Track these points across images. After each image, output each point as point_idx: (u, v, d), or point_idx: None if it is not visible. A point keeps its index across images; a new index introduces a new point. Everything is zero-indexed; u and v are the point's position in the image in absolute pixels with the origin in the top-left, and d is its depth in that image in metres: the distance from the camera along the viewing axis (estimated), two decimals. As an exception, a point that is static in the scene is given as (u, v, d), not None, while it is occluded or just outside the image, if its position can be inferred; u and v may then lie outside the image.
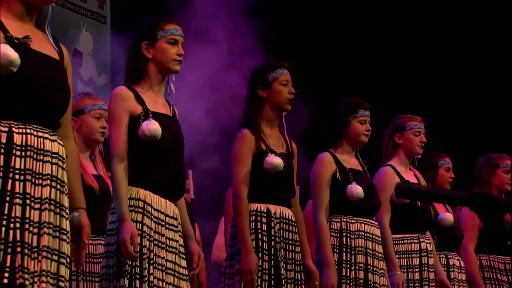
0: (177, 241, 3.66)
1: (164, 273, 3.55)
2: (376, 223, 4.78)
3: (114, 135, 3.63)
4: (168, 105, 3.81)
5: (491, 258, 5.74)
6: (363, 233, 4.63)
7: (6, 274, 2.69)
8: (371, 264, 4.63)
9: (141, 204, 3.56)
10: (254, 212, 4.18)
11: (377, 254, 4.69)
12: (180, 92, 4.10)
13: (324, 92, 7.80)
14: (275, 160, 4.17)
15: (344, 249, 4.59)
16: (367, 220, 4.67)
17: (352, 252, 4.59)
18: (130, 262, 3.48)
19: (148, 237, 3.54)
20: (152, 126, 3.55)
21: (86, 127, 4.32)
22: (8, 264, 2.70)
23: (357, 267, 4.59)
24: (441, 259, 5.38)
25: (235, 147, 4.24)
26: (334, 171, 4.66)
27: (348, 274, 4.56)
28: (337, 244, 4.59)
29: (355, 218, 4.62)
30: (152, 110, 3.65)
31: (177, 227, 3.68)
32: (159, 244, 3.57)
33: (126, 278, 3.47)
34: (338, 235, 4.60)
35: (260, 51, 7.19)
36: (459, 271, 5.45)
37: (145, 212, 3.56)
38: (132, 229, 3.48)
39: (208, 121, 6.94)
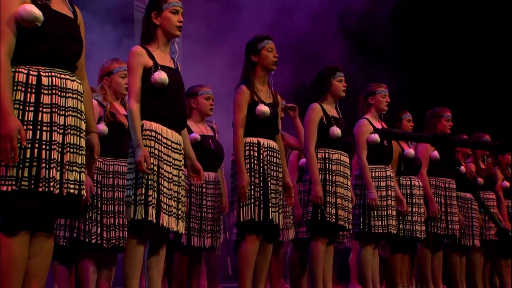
0: (180, 160, 3.61)
1: (170, 183, 3.53)
2: (347, 154, 4.86)
3: (131, 83, 3.55)
4: (172, 61, 3.72)
5: (436, 179, 5.99)
6: (340, 161, 4.77)
7: (40, 184, 2.62)
8: (342, 182, 4.78)
9: (153, 134, 3.52)
10: (248, 144, 4.24)
11: (346, 175, 4.80)
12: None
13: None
14: (264, 108, 4.24)
15: (328, 172, 4.74)
16: (342, 152, 4.81)
17: (333, 174, 4.73)
18: (145, 176, 3.45)
19: (158, 157, 3.50)
20: (162, 75, 3.52)
21: (115, 83, 4.32)
22: (42, 176, 2.63)
23: (336, 184, 4.73)
24: (406, 181, 5.64)
25: (235, 99, 4.28)
26: (321, 117, 4.79)
27: (330, 189, 4.70)
28: (322, 168, 4.72)
29: (334, 150, 4.77)
30: (160, 64, 3.58)
31: (180, 150, 3.62)
32: (167, 162, 3.53)
33: (142, 188, 3.46)
34: (322, 162, 4.74)
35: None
36: (418, 189, 5.66)
37: (156, 139, 3.52)
38: (144, 152, 3.43)
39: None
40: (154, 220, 3.44)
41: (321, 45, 8.02)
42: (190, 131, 4.69)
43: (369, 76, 6.78)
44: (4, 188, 2.59)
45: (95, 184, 4.08)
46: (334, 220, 4.69)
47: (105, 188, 4.16)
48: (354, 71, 6.77)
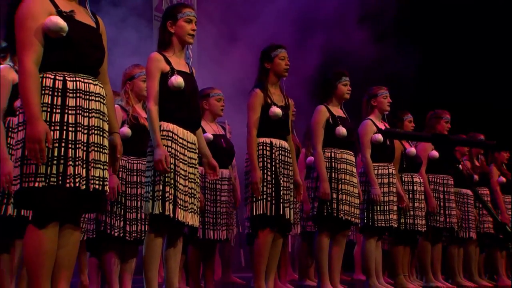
0: (195, 159, 3.63)
1: (185, 180, 3.56)
2: (352, 153, 4.85)
3: (150, 86, 3.57)
4: (187, 66, 3.73)
5: (435, 176, 6.02)
6: (345, 159, 4.78)
7: (67, 180, 2.67)
8: (348, 179, 4.79)
9: (170, 134, 3.54)
10: (261, 143, 4.28)
11: (352, 172, 4.80)
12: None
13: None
14: (276, 110, 4.29)
15: (333, 170, 4.75)
16: (347, 150, 4.81)
17: (338, 172, 4.75)
18: (163, 173, 3.47)
19: (175, 156, 3.52)
20: (178, 79, 3.54)
21: (137, 87, 4.36)
22: (68, 173, 2.67)
23: (341, 182, 4.74)
24: (408, 177, 5.68)
25: (250, 101, 4.32)
26: (328, 118, 4.80)
27: (335, 187, 4.72)
28: (328, 166, 4.74)
29: (340, 150, 4.78)
30: (176, 69, 3.61)
31: (195, 149, 3.64)
32: (182, 161, 3.55)
33: (160, 184, 3.49)
34: (329, 160, 4.76)
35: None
36: (419, 185, 5.70)
37: (173, 139, 3.54)
38: (164, 151, 3.45)
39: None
40: (171, 215, 3.48)
41: (341, 32, 7.96)
42: (203, 131, 4.75)
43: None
44: (36, 184, 2.64)
45: (120, 181, 4.14)
46: (340, 215, 4.72)
47: (129, 185, 4.22)
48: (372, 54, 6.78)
